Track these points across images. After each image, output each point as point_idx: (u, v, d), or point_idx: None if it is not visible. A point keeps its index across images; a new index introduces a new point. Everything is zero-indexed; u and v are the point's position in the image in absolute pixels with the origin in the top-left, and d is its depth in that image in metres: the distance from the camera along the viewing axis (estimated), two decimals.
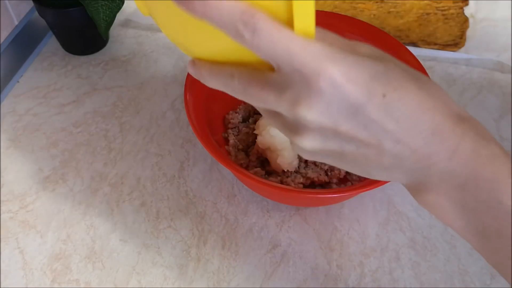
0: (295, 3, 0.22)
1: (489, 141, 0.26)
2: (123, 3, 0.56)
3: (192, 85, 0.47)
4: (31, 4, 0.64)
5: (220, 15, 0.23)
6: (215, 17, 0.23)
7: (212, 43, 0.26)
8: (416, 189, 0.27)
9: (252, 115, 0.54)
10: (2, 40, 0.60)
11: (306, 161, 0.48)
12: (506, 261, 0.26)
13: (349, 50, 0.24)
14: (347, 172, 0.49)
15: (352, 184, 0.48)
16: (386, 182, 0.41)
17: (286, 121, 0.26)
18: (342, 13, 0.65)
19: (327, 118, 0.24)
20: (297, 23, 0.23)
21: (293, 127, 0.26)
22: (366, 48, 0.26)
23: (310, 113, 0.24)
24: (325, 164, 0.48)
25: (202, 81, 0.28)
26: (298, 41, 0.23)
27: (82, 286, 0.44)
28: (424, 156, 0.25)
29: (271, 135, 0.47)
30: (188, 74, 0.48)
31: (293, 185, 0.47)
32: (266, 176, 0.49)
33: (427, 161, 0.25)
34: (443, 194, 0.26)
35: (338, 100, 0.23)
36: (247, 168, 0.50)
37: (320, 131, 0.25)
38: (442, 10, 0.70)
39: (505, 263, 0.27)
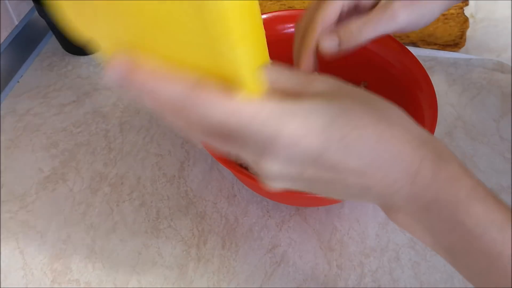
0: (242, 70, 0.22)
1: (449, 162, 0.26)
2: None
3: None
4: (31, 4, 0.64)
5: (167, 95, 0.23)
6: (161, 97, 0.23)
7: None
8: (386, 209, 0.28)
9: None
10: (2, 40, 0.60)
11: None
12: (477, 276, 0.27)
13: (303, 91, 0.25)
14: None
15: None
16: None
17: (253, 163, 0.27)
18: None
19: (290, 168, 0.25)
20: (247, 86, 0.23)
21: (260, 170, 0.26)
22: (321, 83, 0.26)
23: (273, 167, 0.25)
24: None
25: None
26: (248, 110, 0.23)
27: (82, 286, 0.44)
28: (388, 184, 0.26)
29: None
30: None
31: None
32: None
33: (391, 188, 0.26)
34: (410, 215, 0.27)
35: (299, 153, 0.24)
36: (247, 168, 0.50)
37: (286, 177, 0.26)
38: None
39: (477, 279, 0.27)
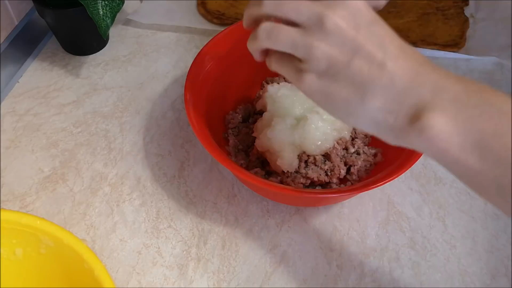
0: None
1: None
2: (123, 3, 0.56)
3: (192, 85, 0.47)
4: (31, 4, 0.64)
5: None
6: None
7: None
8: (412, 114, 0.28)
9: (252, 115, 0.54)
10: (2, 40, 0.60)
11: (306, 161, 0.48)
12: (506, 176, 0.26)
13: None
14: (347, 172, 0.49)
15: (352, 184, 0.48)
16: (386, 182, 0.41)
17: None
18: None
19: (347, 25, 0.28)
20: None
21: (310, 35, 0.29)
22: None
23: (338, 20, 0.29)
24: (325, 164, 0.48)
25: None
26: None
27: None
28: (416, 74, 0.28)
29: (269, 138, 0.47)
30: (189, 74, 0.48)
31: (293, 185, 0.47)
32: (266, 176, 0.49)
33: (419, 78, 0.28)
34: (440, 111, 0.27)
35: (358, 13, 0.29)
36: (247, 168, 0.50)
37: (339, 37, 0.29)
38: (442, 10, 0.70)
39: (506, 180, 0.26)
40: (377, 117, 0.29)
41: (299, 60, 0.30)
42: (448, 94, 0.28)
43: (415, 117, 0.28)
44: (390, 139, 0.30)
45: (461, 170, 0.28)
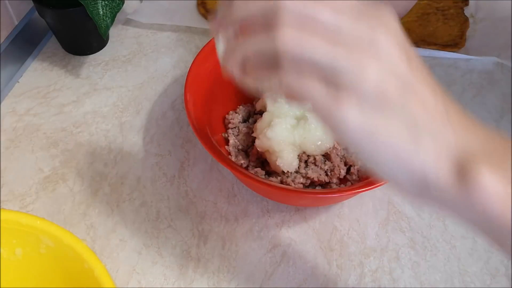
0: None
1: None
2: (123, 3, 0.56)
3: (192, 85, 0.47)
4: (31, 4, 0.64)
5: None
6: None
7: None
8: (461, 168, 0.23)
9: (252, 115, 0.54)
10: (2, 40, 0.60)
11: (306, 161, 0.48)
12: None
13: None
14: (347, 172, 0.49)
15: (352, 184, 0.48)
16: (386, 182, 0.41)
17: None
18: None
19: (399, 53, 0.24)
20: None
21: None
22: None
23: (391, 44, 0.23)
24: (325, 164, 0.48)
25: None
26: None
27: None
28: (466, 127, 0.24)
29: (268, 138, 0.47)
30: (189, 74, 0.48)
31: (293, 185, 0.47)
32: (266, 176, 0.49)
33: (469, 133, 0.24)
34: (491, 168, 0.23)
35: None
36: (247, 168, 0.50)
37: (392, 64, 0.23)
38: (442, 10, 0.70)
39: None
40: (424, 167, 0.24)
41: (332, 84, 0.23)
42: (497, 151, 0.24)
43: (464, 172, 0.23)
44: (433, 197, 0.25)
45: (505, 232, 0.23)
